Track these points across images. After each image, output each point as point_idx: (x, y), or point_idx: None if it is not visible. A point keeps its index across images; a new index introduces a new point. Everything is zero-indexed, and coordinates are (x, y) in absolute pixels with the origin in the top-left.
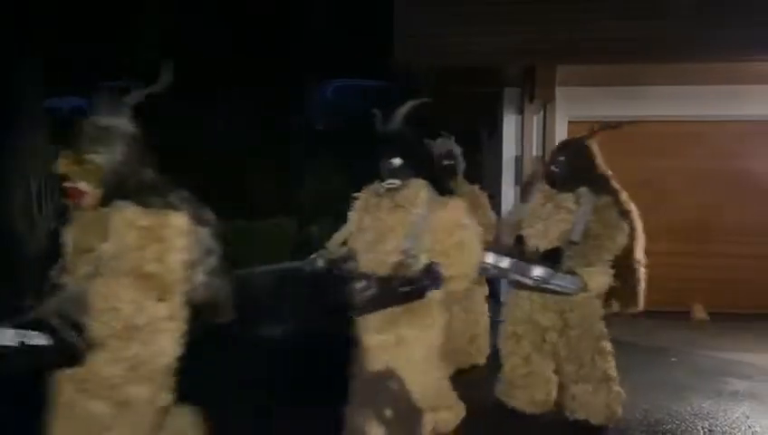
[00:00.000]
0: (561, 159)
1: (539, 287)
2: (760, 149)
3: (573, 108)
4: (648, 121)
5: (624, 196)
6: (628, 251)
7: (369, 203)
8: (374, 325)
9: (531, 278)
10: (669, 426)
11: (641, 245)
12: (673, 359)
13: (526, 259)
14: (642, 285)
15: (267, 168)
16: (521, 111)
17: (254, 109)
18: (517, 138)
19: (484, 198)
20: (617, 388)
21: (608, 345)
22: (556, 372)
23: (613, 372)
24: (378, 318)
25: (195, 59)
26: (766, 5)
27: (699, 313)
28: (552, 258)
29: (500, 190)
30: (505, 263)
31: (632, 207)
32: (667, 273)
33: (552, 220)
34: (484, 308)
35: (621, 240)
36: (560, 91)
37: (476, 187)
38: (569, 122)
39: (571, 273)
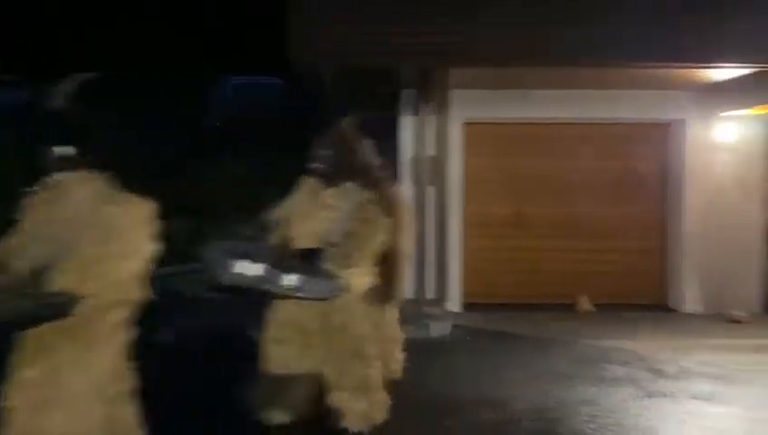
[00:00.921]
0: (326, 152)
1: (293, 296)
2: (638, 150)
3: (468, 110)
4: (537, 124)
5: (390, 188)
6: (393, 246)
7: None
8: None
9: (281, 287)
10: (556, 413)
11: (409, 238)
12: (559, 349)
13: (285, 264)
14: (403, 279)
15: (165, 166)
16: (417, 113)
17: (152, 106)
18: (414, 139)
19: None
20: (379, 395)
21: (371, 350)
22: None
23: (376, 379)
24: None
25: (90, 59)
26: (649, 15)
27: (585, 304)
28: (315, 259)
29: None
30: (258, 271)
31: (400, 200)
32: (555, 267)
33: (317, 219)
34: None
35: (383, 238)
36: (455, 94)
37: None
38: (464, 124)
39: (331, 275)
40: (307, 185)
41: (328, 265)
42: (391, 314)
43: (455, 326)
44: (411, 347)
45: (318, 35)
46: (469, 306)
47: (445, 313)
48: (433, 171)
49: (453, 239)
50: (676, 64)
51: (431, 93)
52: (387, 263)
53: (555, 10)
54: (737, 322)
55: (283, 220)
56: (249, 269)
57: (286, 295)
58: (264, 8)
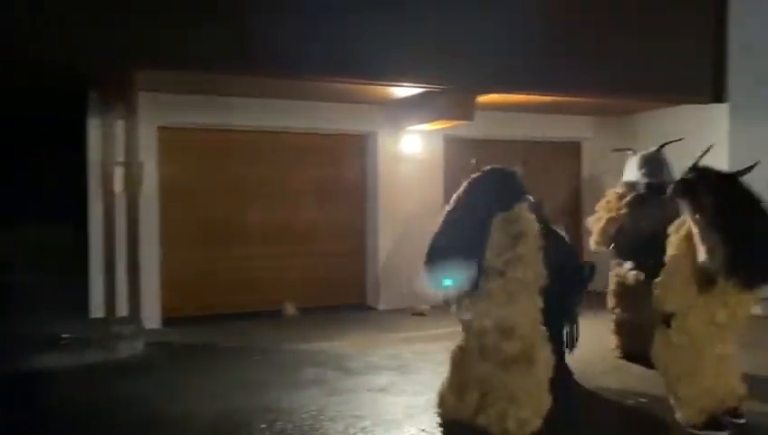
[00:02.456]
0: None
1: None
2: (340, 159)
3: (163, 114)
4: (243, 131)
5: None
6: None
7: None
8: None
9: None
10: (237, 423)
11: None
12: (257, 357)
13: None
14: None
15: None
16: (105, 115)
17: None
18: (102, 143)
19: None
20: None
21: None
22: None
23: None
24: None
25: None
26: (342, 29)
27: (290, 309)
28: None
29: (86, 198)
30: None
31: None
32: (263, 274)
33: None
34: None
35: None
36: (149, 97)
37: None
38: (159, 128)
39: None
40: None
41: None
42: None
43: (150, 344)
44: (92, 371)
45: None
46: (171, 321)
47: (138, 330)
48: (123, 178)
49: (149, 251)
50: (353, 81)
51: (120, 95)
52: None
53: (238, 21)
54: (421, 314)
55: None
56: None
57: None
58: None
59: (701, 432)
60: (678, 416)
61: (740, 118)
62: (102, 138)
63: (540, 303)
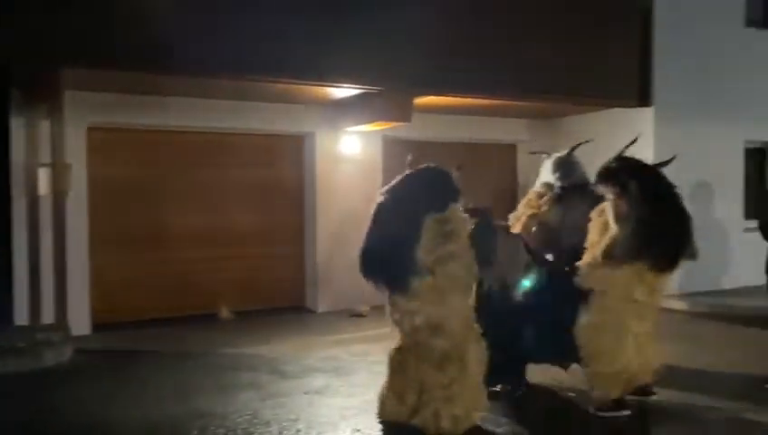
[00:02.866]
0: None
1: None
2: (278, 160)
3: (94, 114)
4: (177, 132)
5: None
6: None
7: None
8: None
9: None
10: (167, 431)
11: None
12: (190, 361)
13: None
14: None
15: None
16: (30, 114)
17: None
18: (26, 144)
19: None
20: None
21: None
22: None
23: None
24: None
25: None
26: (280, 30)
27: (225, 313)
28: None
29: (9, 200)
30: None
31: None
32: (198, 278)
33: None
34: None
35: None
36: (79, 96)
37: None
38: (89, 128)
39: None
40: None
41: None
42: None
43: (79, 351)
44: (17, 380)
45: None
46: (102, 327)
47: (66, 337)
48: (49, 180)
49: (77, 255)
50: (290, 81)
51: (44, 94)
52: None
53: (169, 19)
54: (360, 315)
55: None
56: None
57: None
58: None
59: (606, 414)
60: (592, 394)
61: (665, 120)
62: (26, 138)
63: (471, 301)
